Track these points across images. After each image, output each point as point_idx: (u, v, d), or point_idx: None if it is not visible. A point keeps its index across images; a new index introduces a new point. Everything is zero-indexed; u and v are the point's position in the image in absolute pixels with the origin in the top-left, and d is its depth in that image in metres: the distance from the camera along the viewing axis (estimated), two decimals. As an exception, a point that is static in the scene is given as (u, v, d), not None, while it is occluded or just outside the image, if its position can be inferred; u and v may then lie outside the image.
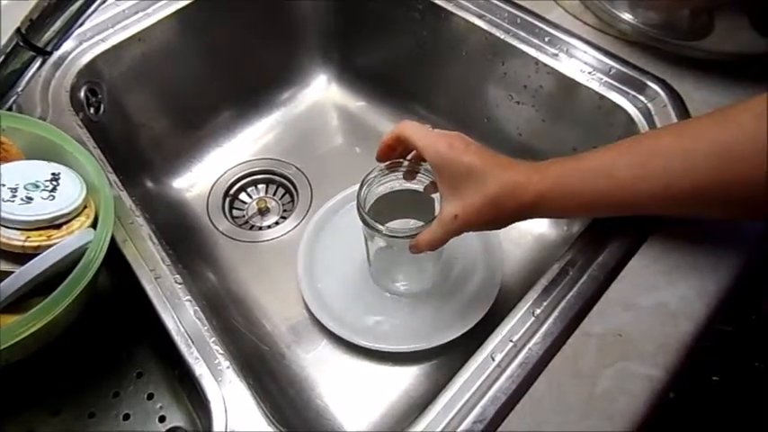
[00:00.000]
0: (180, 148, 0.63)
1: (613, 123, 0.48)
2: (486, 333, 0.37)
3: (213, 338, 0.37)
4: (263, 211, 0.61)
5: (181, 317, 0.38)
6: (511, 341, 0.36)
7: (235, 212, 0.62)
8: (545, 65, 0.50)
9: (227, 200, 0.62)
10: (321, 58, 0.68)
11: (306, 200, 0.61)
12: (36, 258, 0.36)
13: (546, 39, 0.50)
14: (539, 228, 0.57)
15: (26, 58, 0.42)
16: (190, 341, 0.37)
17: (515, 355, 0.35)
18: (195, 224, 0.60)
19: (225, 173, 0.64)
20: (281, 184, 0.63)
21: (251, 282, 0.56)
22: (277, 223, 0.60)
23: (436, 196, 0.46)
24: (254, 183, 0.64)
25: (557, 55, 0.50)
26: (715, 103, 0.46)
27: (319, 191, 0.61)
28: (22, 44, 0.41)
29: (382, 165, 0.45)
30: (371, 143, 0.65)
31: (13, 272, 0.36)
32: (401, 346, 0.48)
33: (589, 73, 0.48)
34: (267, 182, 0.64)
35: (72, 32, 0.42)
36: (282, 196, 0.63)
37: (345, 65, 0.68)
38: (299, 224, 0.59)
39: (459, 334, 0.48)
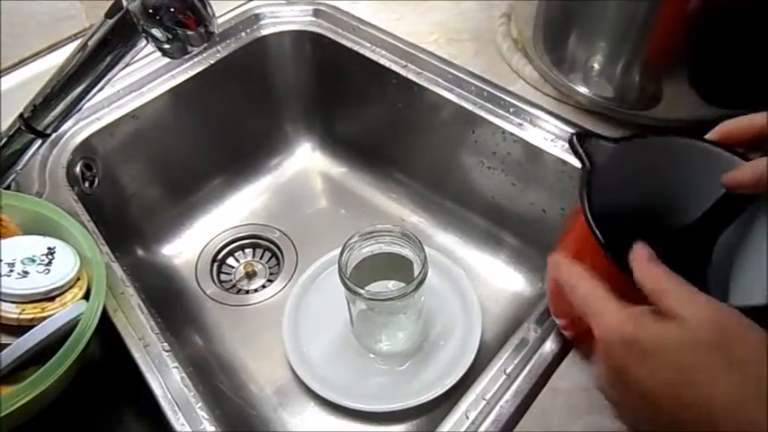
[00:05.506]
0: (170, 216, 0.66)
1: (576, 185, 0.51)
2: (465, 390, 0.39)
3: (199, 404, 0.38)
4: (250, 275, 0.63)
5: (168, 383, 0.39)
6: (484, 399, 0.37)
7: (222, 276, 0.64)
8: (511, 134, 0.54)
9: (215, 264, 0.64)
10: (304, 128, 0.72)
11: (291, 262, 0.63)
12: (30, 331, 0.38)
13: (510, 109, 0.54)
14: (515, 285, 0.60)
15: (26, 140, 0.45)
16: (176, 407, 0.38)
17: (488, 413, 0.37)
18: (184, 289, 0.62)
19: (213, 238, 0.66)
20: (267, 247, 0.66)
21: (237, 345, 0.57)
22: (264, 286, 0.62)
23: (414, 259, 0.49)
24: (242, 247, 0.66)
25: (521, 124, 0.54)
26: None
27: (304, 253, 0.64)
28: (23, 128, 0.44)
29: (364, 230, 0.48)
30: (354, 207, 0.69)
31: (8, 344, 0.38)
32: (384, 405, 0.50)
33: (551, 140, 0.52)
34: (254, 246, 0.66)
35: (71, 116, 0.45)
36: (269, 260, 0.65)
37: (327, 133, 0.72)
38: (285, 286, 0.61)
39: (440, 393, 0.49)
